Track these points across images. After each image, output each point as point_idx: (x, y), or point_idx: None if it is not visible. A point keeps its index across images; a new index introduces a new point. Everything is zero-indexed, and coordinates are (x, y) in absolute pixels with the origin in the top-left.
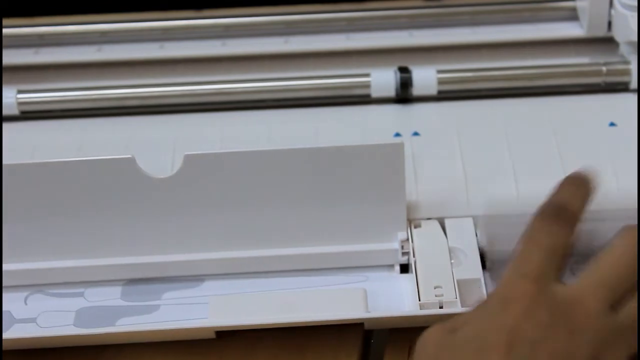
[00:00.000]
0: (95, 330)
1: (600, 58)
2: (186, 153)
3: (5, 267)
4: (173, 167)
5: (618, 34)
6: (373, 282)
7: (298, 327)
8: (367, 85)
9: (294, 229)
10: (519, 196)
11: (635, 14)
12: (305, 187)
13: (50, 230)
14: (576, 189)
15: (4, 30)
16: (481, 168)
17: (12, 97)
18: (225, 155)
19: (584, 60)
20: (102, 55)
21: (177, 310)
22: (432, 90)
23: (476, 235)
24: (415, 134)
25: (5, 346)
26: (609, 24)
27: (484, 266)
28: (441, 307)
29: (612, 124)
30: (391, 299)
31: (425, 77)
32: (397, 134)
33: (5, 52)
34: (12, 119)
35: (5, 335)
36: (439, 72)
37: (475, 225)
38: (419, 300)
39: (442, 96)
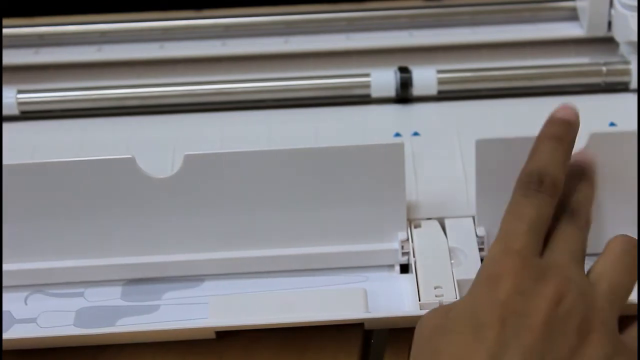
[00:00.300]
0: (95, 330)
1: (600, 58)
2: (186, 153)
3: (5, 267)
4: (173, 167)
5: (618, 34)
6: (373, 282)
7: (298, 327)
8: (367, 85)
9: (294, 229)
10: None
11: (635, 14)
12: (305, 187)
13: (50, 230)
14: (556, 144)
15: (4, 30)
16: None
17: (12, 97)
18: (225, 156)
19: (584, 60)
20: (102, 55)
21: (177, 311)
22: (432, 90)
23: (476, 235)
24: (415, 134)
25: (5, 346)
26: (609, 24)
27: None
28: None
29: (612, 124)
30: (391, 299)
31: (425, 77)
32: (397, 134)
33: (5, 52)
34: (12, 119)
35: (5, 336)
36: (439, 72)
37: (475, 225)
38: (419, 300)
39: (442, 96)
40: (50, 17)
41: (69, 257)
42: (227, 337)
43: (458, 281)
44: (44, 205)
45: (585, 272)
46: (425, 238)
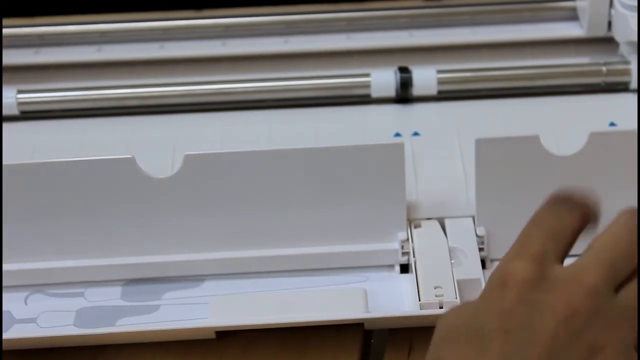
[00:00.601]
0: (95, 330)
1: (600, 58)
2: (186, 153)
3: (5, 267)
4: (173, 167)
5: (618, 34)
6: (373, 282)
7: (298, 327)
8: (367, 85)
9: (294, 229)
10: None
11: (635, 14)
12: (305, 187)
13: (50, 230)
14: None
15: (4, 30)
16: None
17: (12, 97)
18: (225, 156)
19: (584, 60)
20: (102, 55)
21: (177, 310)
22: (432, 90)
23: (476, 235)
24: (415, 134)
25: (5, 346)
26: (609, 24)
27: (484, 266)
28: (441, 307)
29: (612, 124)
30: (391, 299)
31: (425, 77)
32: (397, 134)
33: (5, 52)
34: (12, 119)
35: (5, 336)
36: (439, 72)
37: (475, 225)
38: (419, 300)
39: (442, 96)
40: (50, 17)
41: (69, 257)
42: (227, 337)
43: (458, 281)
44: (44, 205)
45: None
46: (425, 238)
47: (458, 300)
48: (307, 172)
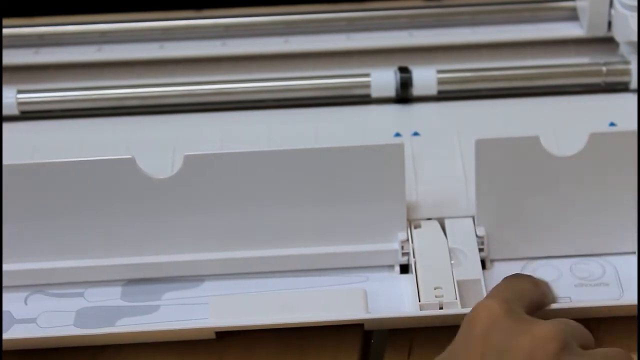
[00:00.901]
0: (95, 330)
1: (600, 58)
2: (186, 153)
3: (5, 267)
4: (173, 168)
5: (618, 34)
6: (373, 282)
7: (298, 327)
8: (367, 85)
9: (294, 229)
10: None
11: (635, 14)
12: (305, 188)
13: (50, 230)
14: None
15: (4, 30)
16: None
17: (12, 97)
18: (225, 156)
19: (584, 60)
20: (102, 55)
21: (177, 311)
22: (432, 90)
23: (476, 235)
24: (415, 134)
25: (5, 346)
26: (609, 24)
27: (483, 266)
28: (441, 308)
29: (612, 124)
30: (391, 299)
31: (425, 77)
32: (397, 134)
33: (5, 52)
34: (12, 119)
35: (5, 336)
36: (439, 72)
37: (475, 225)
38: (419, 301)
39: (442, 96)
40: (50, 17)
41: (69, 257)
42: (227, 337)
43: (458, 282)
44: (44, 206)
45: None
46: (425, 238)
47: (458, 301)
48: (307, 173)
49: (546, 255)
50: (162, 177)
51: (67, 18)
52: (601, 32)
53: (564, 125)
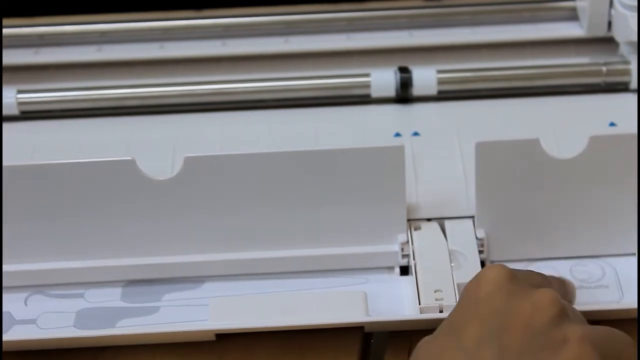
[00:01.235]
0: (95, 331)
1: (600, 58)
2: (186, 155)
3: (5, 267)
4: (173, 169)
5: (618, 34)
6: (373, 284)
7: (298, 329)
8: (367, 85)
9: (294, 231)
10: None
11: (635, 14)
12: (305, 189)
13: (51, 231)
14: None
15: (4, 30)
16: None
17: (12, 97)
18: (225, 158)
19: (584, 60)
20: (102, 55)
21: (177, 312)
22: (432, 90)
23: (476, 237)
24: (415, 134)
25: (5, 347)
26: (609, 24)
27: None
28: (441, 311)
29: (612, 124)
30: (391, 301)
31: (425, 77)
32: (397, 134)
33: (5, 52)
34: (12, 119)
35: (5, 337)
36: (439, 72)
37: (475, 226)
38: (419, 304)
39: (442, 96)
40: (50, 17)
41: (69, 258)
42: (227, 338)
43: (458, 284)
44: (44, 206)
45: None
46: (425, 240)
47: None
48: (307, 174)
49: (546, 257)
50: (162, 178)
51: (67, 18)
52: (601, 32)
53: (564, 125)
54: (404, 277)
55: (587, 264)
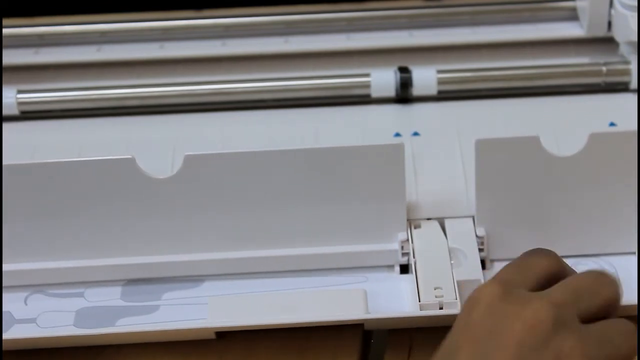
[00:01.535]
0: (95, 330)
1: (600, 58)
2: (186, 153)
3: (5, 267)
4: (173, 168)
5: (618, 34)
6: (373, 282)
7: (298, 327)
8: (367, 85)
9: (294, 230)
10: None
11: (635, 14)
12: (305, 188)
13: (50, 230)
14: None
15: (4, 30)
16: None
17: (12, 97)
18: (225, 156)
19: (584, 60)
20: (102, 55)
21: (177, 311)
22: (432, 90)
23: (476, 235)
24: (415, 134)
25: (5, 346)
26: (609, 24)
27: (483, 266)
28: (441, 308)
29: (612, 124)
30: (391, 299)
31: (425, 77)
32: (397, 134)
33: (5, 52)
34: (12, 119)
35: (5, 336)
36: (439, 72)
37: (475, 225)
38: (419, 301)
39: (442, 96)
40: (50, 17)
41: (69, 257)
42: (227, 337)
43: (458, 282)
44: (44, 205)
45: None
46: (425, 239)
47: (458, 301)
48: (307, 173)
49: None
50: (162, 177)
51: (67, 18)
52: (601, 32)
53: (564, 125)
54: (404, 276)
55: (587, 262)
